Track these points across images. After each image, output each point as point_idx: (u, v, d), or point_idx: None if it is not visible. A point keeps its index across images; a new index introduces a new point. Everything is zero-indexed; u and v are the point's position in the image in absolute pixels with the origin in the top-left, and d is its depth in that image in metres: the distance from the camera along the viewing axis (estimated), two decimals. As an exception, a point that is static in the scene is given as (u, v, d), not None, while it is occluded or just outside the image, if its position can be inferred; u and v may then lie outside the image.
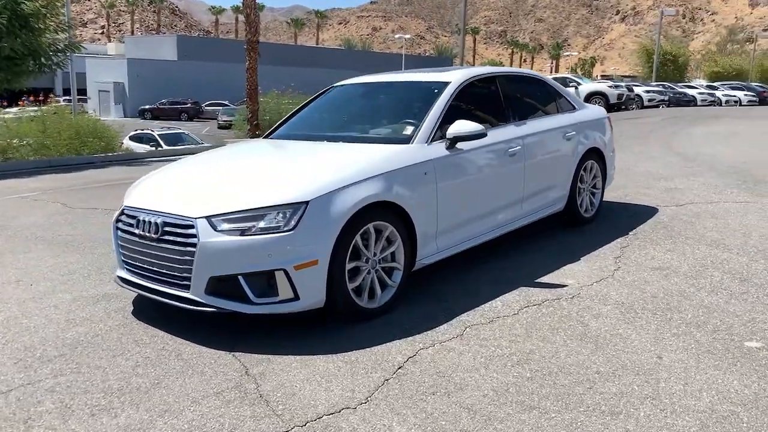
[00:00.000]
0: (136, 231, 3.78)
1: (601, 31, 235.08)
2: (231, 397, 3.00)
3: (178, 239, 3.57)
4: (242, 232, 3.46)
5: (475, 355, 3.36)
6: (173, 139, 22.29)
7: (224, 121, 39.68)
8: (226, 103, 48.28)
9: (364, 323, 3.79)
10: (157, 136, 22.18)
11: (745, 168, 9.37)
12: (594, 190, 6.13)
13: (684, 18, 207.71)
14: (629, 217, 6.32)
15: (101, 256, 5.44)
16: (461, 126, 4.30)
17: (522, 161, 4.97)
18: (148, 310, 4.12)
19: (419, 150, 4.21)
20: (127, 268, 3.98)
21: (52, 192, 9.10)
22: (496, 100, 5.09)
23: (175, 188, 4.05)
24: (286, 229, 3.46)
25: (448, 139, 4.33)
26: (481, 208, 4.65)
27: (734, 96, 35.94)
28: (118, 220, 4.05)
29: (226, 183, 3.94)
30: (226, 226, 3.49)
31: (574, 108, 6.00)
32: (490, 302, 4.10)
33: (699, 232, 5.67)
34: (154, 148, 20.19)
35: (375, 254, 3.85)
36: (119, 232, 4.00)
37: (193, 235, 3.50)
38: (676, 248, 5.20)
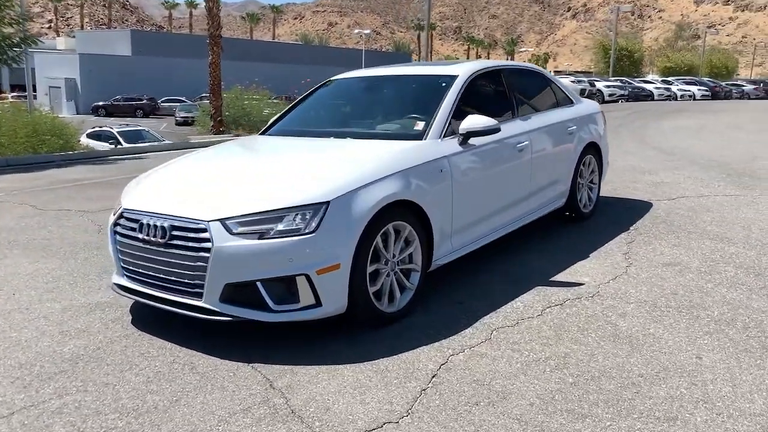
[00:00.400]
0: (140, 236, 3.51)
1: (554, 27, 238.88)
2: (261, 413, 2.79)
3: (190, 244, 3.32)
4: (260, 236, 3.23)
5: (510, 361, 3.21)
6: (133, 136, 21.66)
7: (182, 117, 38.85)
8: (183, 99, 47.31)
9: (384, 328, 3.61)
10: (116, 134, 21.53)
11: (724, 161, 9.49)
12: (591, 185, 6.07)
13: (633, 15, 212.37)
14: (625, 211, 6.28)
15: (84, 262, 5.12)
16: (475, 121, 4.15)
17: (529, 156, 4.85)
18: (149, 320, 3.85)
19: (434, 146, 4.04)
20: (128, 276, 3.70)
21: (17, 193, 8.61)
22: (502, 93, 4.96)
23: (181, 189, 3.77)
24: (307, 231, 3.24)
25: (461, 134, 4.18)
26: (492, 206, 4.51)
27: (688, 90, 36.89)
28: (116, 224, 3.76)
29: (237, 183, 3.68)
30: (242, 229, 3.25)
31: (572, 102, 5.92)
32: (510, 303, 3.96)
33: (699, 226, 5.66)
34: (113, 146, 19.53)
35: (394, 256, 3.67)
36: (117, 237, 3.72)
37: (207, 239, 3.26)
38: (681, 243, 5.15)
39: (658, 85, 37.89)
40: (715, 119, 18.64)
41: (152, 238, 3.44)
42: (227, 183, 3.71)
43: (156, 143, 18.83)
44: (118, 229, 3.72)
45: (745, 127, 15.91)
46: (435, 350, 3.35)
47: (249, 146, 4.76)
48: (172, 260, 3.39)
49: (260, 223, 3.26)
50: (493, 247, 4.88)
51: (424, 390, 2.95)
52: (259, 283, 3.25)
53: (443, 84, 4.51)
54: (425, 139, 4.08)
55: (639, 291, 4.12)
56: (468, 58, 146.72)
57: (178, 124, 38.31)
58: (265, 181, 3.63)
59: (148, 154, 14.96)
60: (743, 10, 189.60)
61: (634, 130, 14.85)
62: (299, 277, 3.25)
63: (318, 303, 3.31)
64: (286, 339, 3.51)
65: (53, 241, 5.79)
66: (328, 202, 3.31)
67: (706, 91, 37.94)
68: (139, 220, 3.54)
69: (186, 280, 3.36)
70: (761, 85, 46.25)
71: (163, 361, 3.31)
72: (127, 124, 24.88)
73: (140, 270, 3.59)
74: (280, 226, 3.25)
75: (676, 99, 35.69)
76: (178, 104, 43.19)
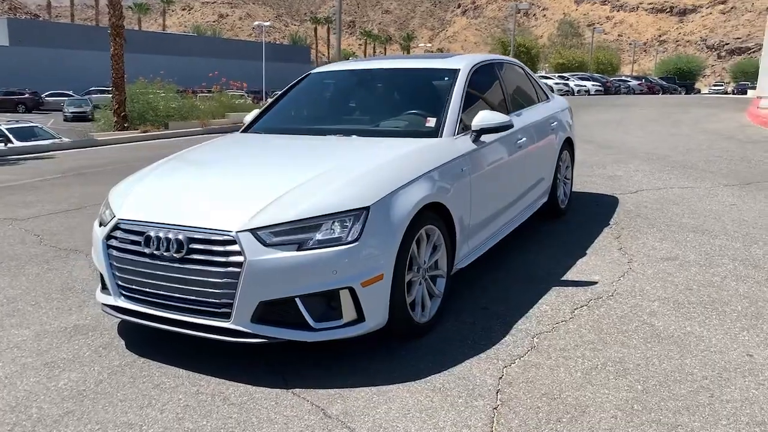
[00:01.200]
0: (146, 250, 3.05)
1: (445, 23, 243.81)
2: (330, 449, 2.47)
3: (215, 258, 2.92)
4: (299, 246, 2.89)
5: (569, 370, 3.05)
6: (25, 133, 19.87)
7: (72, 113, 36.36)
8: (70, 93, 44.31)
9: (420, 341, 3.36)
10: (5, 131, 19.68)
11: (662, 154, 9.86)
12: (565, 180, 6.06)
13: (519, 12, 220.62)
14: (596, 206, 6.32)
15: (37, 278, 4.52)
16: (488, 117, 3.96)
17: (525, 153, 4.73)
18: (147, 344, 3.39)
19: (451, 144, 3.82)
20: (126, 295, 3.22)
21: None
22: (497, 88, 4.80)
23: (191, 194, 3.30)
24: (350, 240, 2.93)
25: (474, 131, 3.98)
26: (499, 205, 4.36)
27: (584, 86, 38.66)
28: (109, 237, 3.27)
29: (255, 187, 3.25)
30: (277, 239, 2.90)
31: (548, 97, 5.88)
32: (536, 306, 3.81)
33: (674, 219, 5.76)
34: (4, 145, 17.85)
35: (425, 262, 3.42)
36: (113, 251, 3.23)
37: (237, 253, 2.87)
38: (667, 237, 5.21)
39: (557, 80, 39.52)
40: (628, 113, 19.57)
41: (164, 253, 3.01)
42: (244, 187, 3.29)
43: (57, 141, 17.39)
44: (113, 242, 3.24)
45: (660, 121, 16.73)
46: (484, 362, 3.14)
47: (249, 145, 4.25)
48: (190, 277, 2.97)
49: (297, 232, 2.92)
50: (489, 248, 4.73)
51: (495, 408, 2.73)
52: (298, 300, 2.91)
53: (446, 78, 4.30)
54: (440, 136, 3.85)
55: (654, 288, 4.09)
56: (365, 53, 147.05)
57: (67, 120, 35.78)
58: (286, 185, 3.20)
59: (52, 153, 13.77)
60: (618, 10, 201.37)
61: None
62: (342, 291, 2.94)
63: (361, 318, 3.01)
64: (316, 359, 3.18)
65: (-11, 255, 5.09)
66: (368, 208, 3.01)
67: (599, 86, 39.97)
68: (144, 233, 3.09)
69: (210, 300, 2.96)
70: (644, 81, 49.30)
71: (186, 393, 2.90)
72: (17, 120, 22.91)
73: (145, 289, 3.13)
74: (319, 235, 2.93)
75: (573, 94, 37.29)
76: (67, 99, 40.36)
